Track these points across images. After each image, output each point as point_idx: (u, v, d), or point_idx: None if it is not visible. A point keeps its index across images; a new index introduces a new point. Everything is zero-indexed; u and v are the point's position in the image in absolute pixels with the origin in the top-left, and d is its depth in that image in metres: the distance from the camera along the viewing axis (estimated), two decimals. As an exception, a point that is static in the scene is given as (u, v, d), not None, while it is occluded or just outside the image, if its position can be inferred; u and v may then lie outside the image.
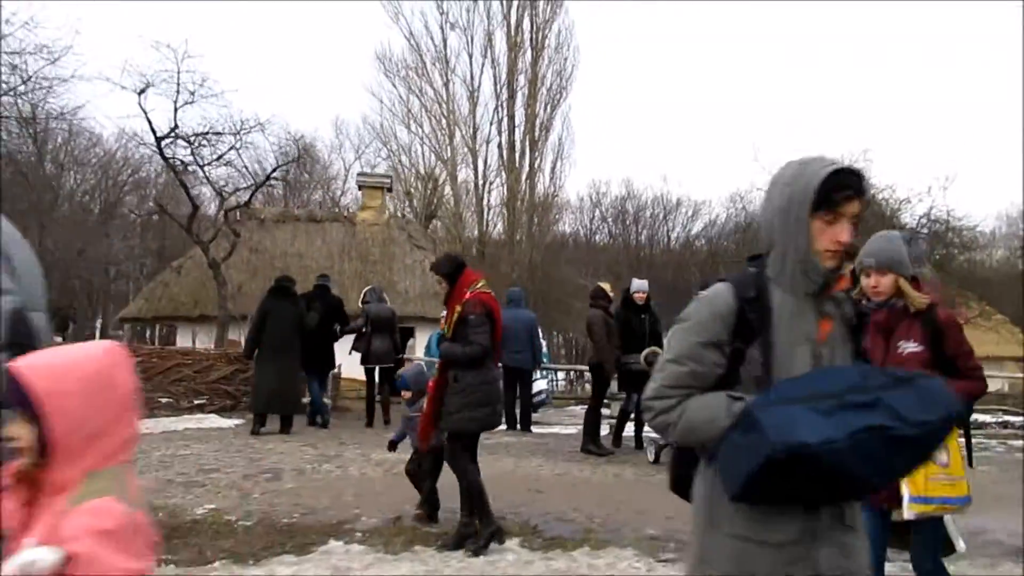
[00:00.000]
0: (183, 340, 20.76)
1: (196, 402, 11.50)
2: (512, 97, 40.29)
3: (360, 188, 24.53)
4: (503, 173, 39.72)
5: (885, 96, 75.77)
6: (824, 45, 79.67)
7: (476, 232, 39.19)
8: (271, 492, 6.51)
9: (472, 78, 40.07)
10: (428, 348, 12.77)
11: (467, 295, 5.08)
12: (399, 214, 31.10)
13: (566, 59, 41.34)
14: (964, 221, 26.26)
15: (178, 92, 15.44)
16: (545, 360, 15.26)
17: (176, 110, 15.49)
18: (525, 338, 10.98)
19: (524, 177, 40.14)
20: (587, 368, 10.20)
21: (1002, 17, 71.56)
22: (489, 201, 40.37)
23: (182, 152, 16.45)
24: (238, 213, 22.16)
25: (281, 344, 9.52)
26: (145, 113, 15.13)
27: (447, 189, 35.54)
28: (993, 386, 19.52)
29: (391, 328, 11.83)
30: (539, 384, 10.70)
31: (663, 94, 76.73)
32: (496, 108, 40.08)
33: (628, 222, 61.31)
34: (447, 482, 5.40)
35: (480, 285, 5.23)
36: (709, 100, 76.73)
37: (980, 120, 77.97)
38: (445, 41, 39.96)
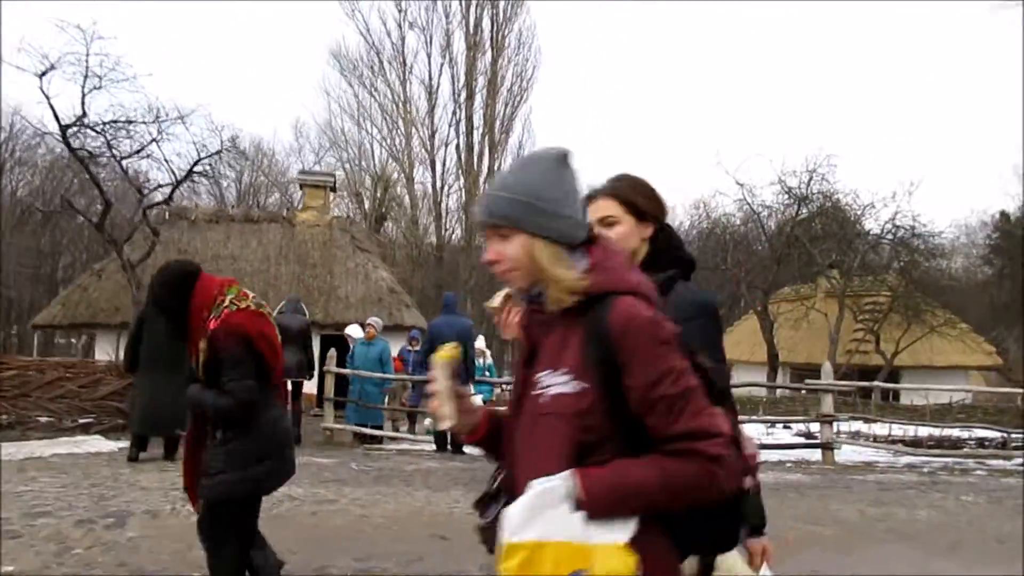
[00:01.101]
0: (103, 349, 19.22)
1: (82, 421, 10.08)
2: (471, 98, 39.10)
3: (301, 187, 23.11)
4: (461, 176, 38.56)
5: (850, 100, 76.03)
6: (791, 48, 79.81)
7: (434, 238, 37.94)
8: (102, 545, 5.16)
9: (431, 78, 38.85)
10: (351, 359, 11.51)
11: (212, 323, 3.47)
12: (348, 215, 29.75)
13: (527, 60, 40.26)
14: (929, 227, 25.67)
15: (86, 76, 14.00)
16: (490, 374, 13.99)
17: (84, 96, 14.03)
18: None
19: (483, 180, 39.00)
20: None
21: (969, 25, 72.14)
22: (448, 205, 39.20)
23: (93, 144, 14.95)
24: (166, 213, 20.73)
25: (160, 355, 8.16)
26: (48, 98, 13.62)
27: (399, 190, 34.10)
28: (958, 396, 18.78)
29: (303, 341, 10.83)
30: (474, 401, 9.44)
31: (626, 98, 76.28)
32: (454, 110, 38.91)
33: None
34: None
35: (231, 298, 3.57)
36: (673, 105, 76.46)
37: (938, 128, 78.57)
38: (403, 39, 38.75)
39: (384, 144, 36.73)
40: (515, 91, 39.81)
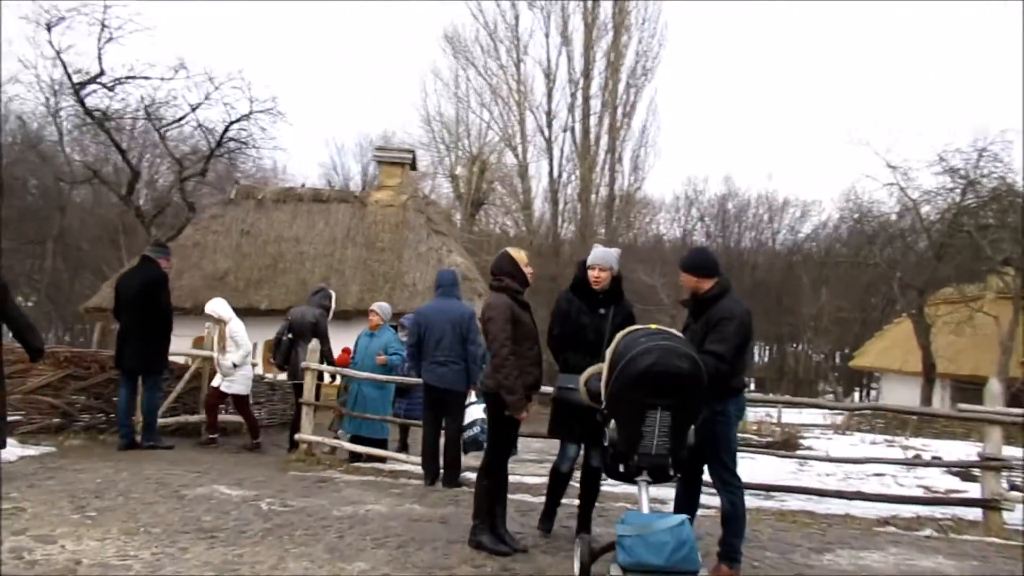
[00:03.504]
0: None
1: (10, 419, 8.17)
2: (588, 78, 36.22)
3: (378, 164, 21.08)
4: (576, 161, 35.70)
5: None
6: (951, 30, 71.78)
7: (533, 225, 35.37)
8: None
9: (548, 60, 36.23)
10: (355, 352, 9.13)
11: None
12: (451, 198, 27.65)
13: (652, 36, 36.90)
14: None
15: (103, 28, 12.35)
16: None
17: (100, 51, 12.39)
18: (453, 342, 7.10)
19: (600, 168, 36.02)
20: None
21: None
22: (566, 194, 36.51)
23: (117, 105, 13.34)
24: (232, 192, 19.22)
25: None
26: (58, 53, 12.05)
27: (511, 174, 31.65)
28: None
29: (318, 335, 9.08)
30: (473, 412, 6.82)
31: (769, 83, 70.79)
32: (572, 92, 36.10)
33: (728, 222, 56.37)
34: None
35: None
36: (821, 91, 70.29)
37: None
38: (517, 18, 36.34)
39: (495, 127, 34.51)
40: (638, 71, 36.60)
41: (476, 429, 6.95)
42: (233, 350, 8.98)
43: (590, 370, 4.59)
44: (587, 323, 5.11)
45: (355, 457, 8.51)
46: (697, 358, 4.07)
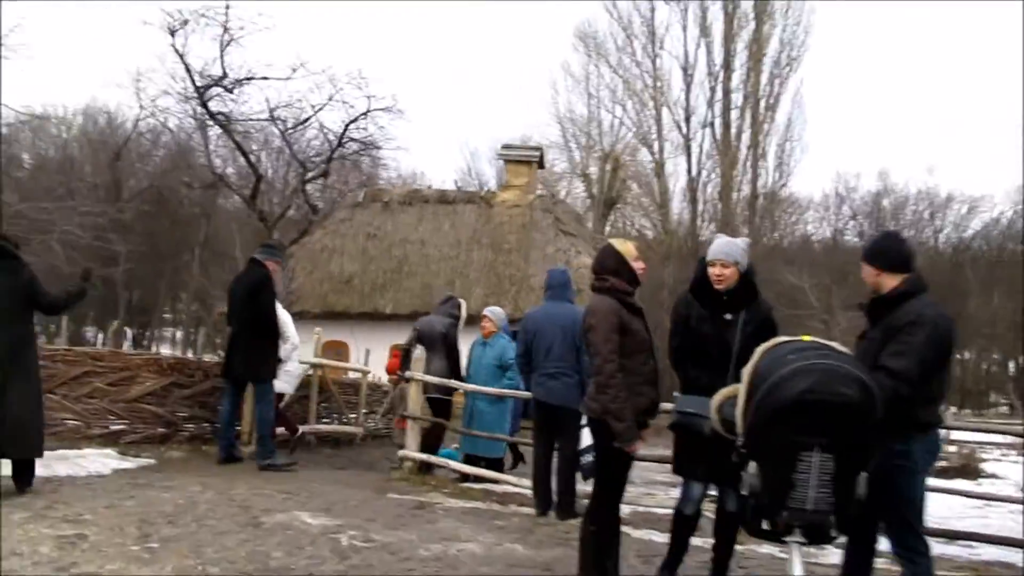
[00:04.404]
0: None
1: (114, 428, 7.97)
2: (728, 70, 34.37)
3: (505, 163, 20.45)
4: (717, 158, 33.96)
5: None
6: None
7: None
8: None
9: (686, 55, 34.70)
10: (470, 364, 8.34)
11: None
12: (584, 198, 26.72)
13: (797, 23, 34.69)
14: None
15: (225, 29, 12.31)
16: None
17: (222, 52, 12.36)
18: (565, 351, 6.21)
19: (742, 164, 34.15)
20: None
21: None
22: (706, 193, 34.89)
23: (242, 108, 13.32)
24: (360, 194, 19.14)
25: None
26: (181, 57, 12.10)
27: (632, 171, 30.48)
28: None
29: (447, 346, 8.37)
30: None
31: (928, 68, 65.61)
32: (712, 86, 34.41)
33: (884, 220, 52.62)
34: None
35: None
36: (989, 75, 64.46)
37: None
38: (653, 11, 35.00)
39: (629, 123, 33.31)
40: (781, 62, 34.51)
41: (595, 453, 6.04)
42: (280, 343, 7.85)
43: (724, 392, 3.58)
44: (709, 332, 4.10)
45: (465, 475, 7.77)
46: (869, 381, 2.99)
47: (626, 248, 4.16)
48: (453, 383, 8.03)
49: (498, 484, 7.42)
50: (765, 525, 3.17)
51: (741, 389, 3.24)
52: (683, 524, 4.25)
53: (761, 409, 3.02)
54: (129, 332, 30.59)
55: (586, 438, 6.26)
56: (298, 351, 8.42)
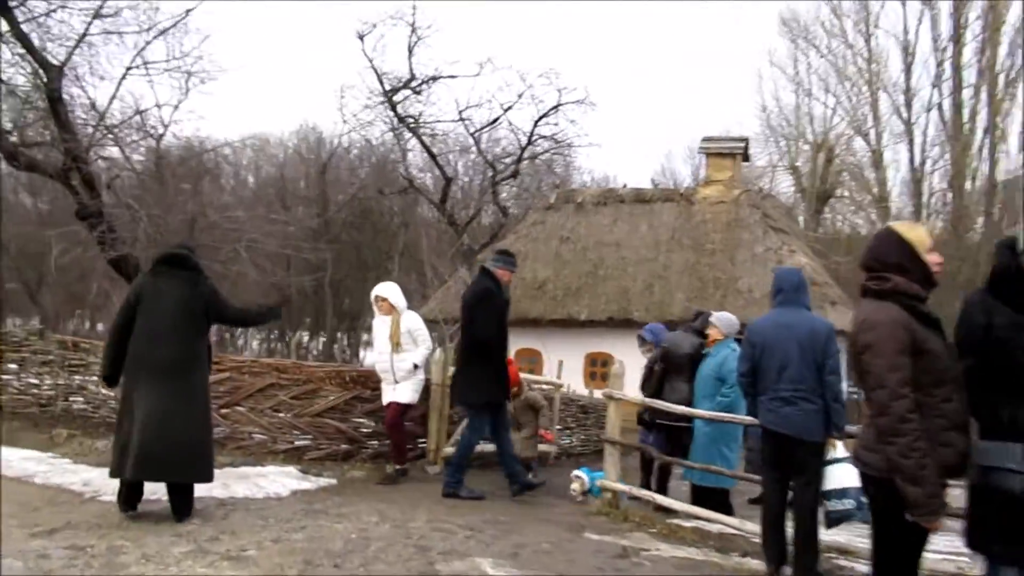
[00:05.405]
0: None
1: (298, 443, 7.60)
2: (959, 44, 30.57)
3: (707, 157, 18.94)
4: (947, 146, 30.31)
5: None
6: None
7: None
8: None
9: (906, 31, 31.33)
10: (697, 386, 7.21)
11: None
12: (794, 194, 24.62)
13: (1046, -19, 30.26)
14: None
15: (413, 29, 11.99)
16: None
17: (411, 52, 12.04)
18: (804, 370, 4.97)
19: (976, 148, 30.24)
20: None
21: None
22: (931, 184, 31.37)
23: (430, 110, 12.98)
24: (552, 196, 18.41)
25: (160, 357, 4.95)
26: (370, 61, 11.92)
27: (846, 162, 27.70)
28: None
29: (693, 370, 7.30)
30: (843, 474, 4.74)
31: None
32: (939, 62, 30.80)
33: None
34: None
35: None
36: None
37: None
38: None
39: (841, 111, 30.48)
40: (1024, 29, 30.20)
41: (850, 503, 4.78)
42: (411, 348, 7.08)
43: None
44: (1020, 345, 2.81)
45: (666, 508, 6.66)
46: None
47: (916, 235, 2.96)
48: (682, 409, 6.85)
49: (712, 523, 6.26)
50: None
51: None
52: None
53: None
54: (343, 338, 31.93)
55: (835, 480, 5.02)
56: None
